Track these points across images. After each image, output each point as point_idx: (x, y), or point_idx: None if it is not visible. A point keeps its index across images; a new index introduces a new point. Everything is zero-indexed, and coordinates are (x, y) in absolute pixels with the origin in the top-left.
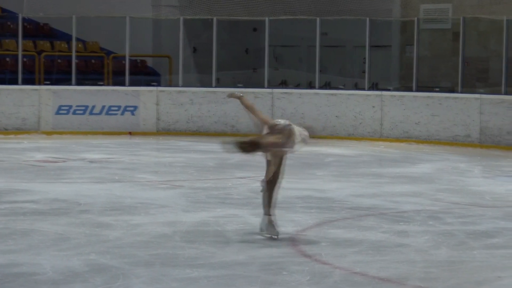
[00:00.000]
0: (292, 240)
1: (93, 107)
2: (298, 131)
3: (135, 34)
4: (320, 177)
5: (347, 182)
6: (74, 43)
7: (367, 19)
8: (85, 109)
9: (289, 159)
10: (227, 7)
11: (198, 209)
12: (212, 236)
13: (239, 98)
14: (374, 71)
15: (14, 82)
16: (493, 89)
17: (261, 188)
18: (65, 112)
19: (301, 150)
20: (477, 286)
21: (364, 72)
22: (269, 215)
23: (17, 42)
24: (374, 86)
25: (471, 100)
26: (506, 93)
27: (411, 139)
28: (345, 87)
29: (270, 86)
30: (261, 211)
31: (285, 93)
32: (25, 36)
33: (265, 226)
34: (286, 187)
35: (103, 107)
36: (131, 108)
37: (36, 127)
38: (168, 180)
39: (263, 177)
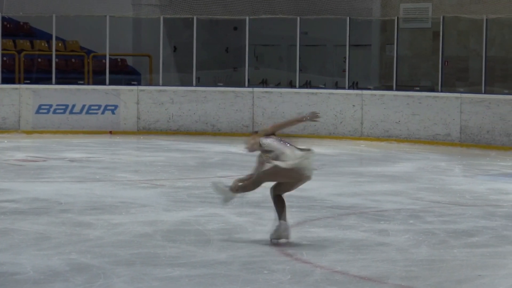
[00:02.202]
0: (273, 239)
1: (74, 106)
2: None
3: (115, 33)
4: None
5: (328, 181)
6: (54, 42)
7: (347, 18)
8: (65, 108)
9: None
10: (207, 6)
11: (179, 208)
12: (193, 235)
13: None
14: (354, 70)
15: None
16: (473, 88)
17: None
18: (45, 111)
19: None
20: (457, 284)
21: (344, 71)
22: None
23: None
24: (354, 85)
25: (451, 99)
26: (486, 92)
27: (391, 138)
28: (326, 86)
29: (251, 85)
30: (242, 210)
31: (266, 92)
32: (4, 35)
33: (280, 231)
34: (267, 186)
35: (84, 106)
36: (112, 107)
37: (16, 126)
38: (149, 179)
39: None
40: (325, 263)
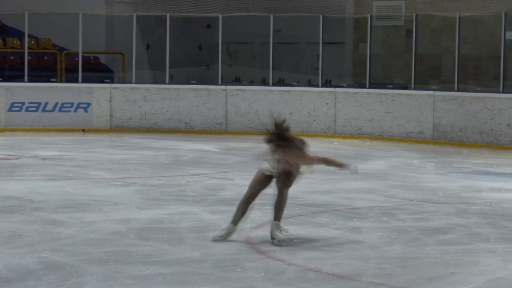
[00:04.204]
0: (246, 237)
1: (46, 104)
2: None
3: (88, 30)
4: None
5: (301, 179)
6: (26, 39)
7: (321, 16)
8: (38, 106)
9: (244, 156)
10: (180, 4)
11: (152, 206)
12: (166, 233)
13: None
14: (327, 68)
15: None
16: (446, 85)
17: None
18: (17, 109)
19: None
20: (430, 282)
21: (317, 69)
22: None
23: None
24: (327, 83)
25: (424, 97)
26: (458, 90)
27: (364, 135)
28: (299, 84)
29: (224, 83)
30: (215, 207)
31: (239, 90)
32: None
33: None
34: (240, 184)
35: (56, 104)
36: (84, 105)
37: None
38: (122, 177)
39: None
40: (298, 261)
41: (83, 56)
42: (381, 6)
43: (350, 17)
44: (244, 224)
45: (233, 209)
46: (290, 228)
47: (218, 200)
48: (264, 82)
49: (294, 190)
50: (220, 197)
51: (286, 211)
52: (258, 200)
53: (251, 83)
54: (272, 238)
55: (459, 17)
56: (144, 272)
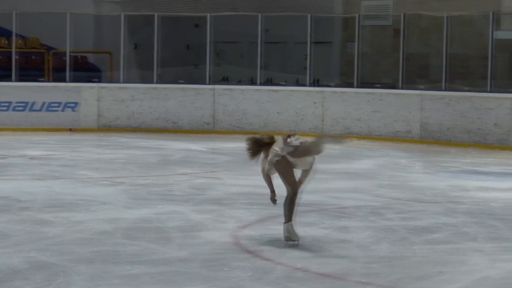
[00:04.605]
0: (234, 237)
1: (34, 103)
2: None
3: (76, 30)
4: (261, 173)
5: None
6: (14, 39)
7: (309, 15)
8: (25, 106)
9: (231, 155)
10: (168, 3)
11: (139, 205)
12: (153, 232)
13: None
14: (315, 67)
15: None
16: (434, 85)
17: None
18: (5, 108)
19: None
20: (418, 281)
21: (305, 68)
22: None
23: None
24: (315, 83)
25: (412, 96)
26: (446, 89)
27: (352, 135)
28: (287, 84)
29: (212, 82)
30: (202, 207)
31: (227, 89)
32: None
33: (288, 233)
34: (228, 183)
35: (44, 103)
36: (72, 105)
37: None
38: (109, 176)
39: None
40: (285, 260)
41: (71, 56)
42: (369, 6)
43: (338, 16)
44: (232, 224)
45: (220, 208)
46: (278, 227)
47: (206, 199)
48: (252, 82)
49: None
50: (207, 197)
51: (275, 210)
52: (245, 199)
53: (239, 82)
54: (289, 239)
55: (447, 17)
56: (131, 272)
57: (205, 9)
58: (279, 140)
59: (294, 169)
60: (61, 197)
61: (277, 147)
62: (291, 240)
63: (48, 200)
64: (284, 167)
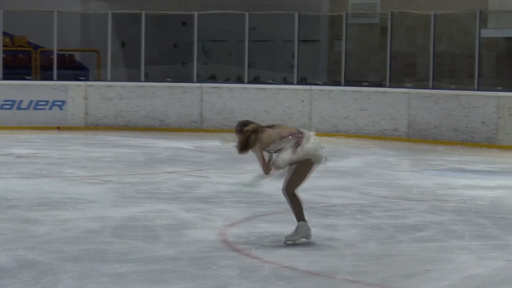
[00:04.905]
0: (222, 235)
1: (21, 102)
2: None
3: (63, 28)
4: (249, 171)
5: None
6: (1, 37)
7: (296, 13)
8: (12, 104)
9: (219, 154)
10: (156, 1)
11: (127, 204)
12: (141, 231)
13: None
14: (303, 65)
15: None
16: (421, 83)
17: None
18: None
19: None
20: (405, 279)
21: (293, 66)
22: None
23: None
24: (303, 81)
25: (399, 95)
26: (433, 88)
27: (340, 133)
28: (274, 82)
29: (199, 80)
30: (190, 205)
31: (214, 87)
32: None
33: (303, 232)
34: (215, 181)
35: (31, 102)
36: (59, 103)
37: None
38: (97, 175)
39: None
40: (273, 258)
41: (58, 54)
42: (357, 4)
43: (325, 15)
44: (219, 222)
45: (208, 207)
46: (266, 225)
47: (193, 198)
48: (240, 80)
49: (270, 187)
50: (195, 195)
51: (263, 208)
52: (233, 197)
53: (227, 80)
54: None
55: (434, 15)
56: (119, 270)
57: (192, 7)
58: (307, 134)
59: None
60: (49, 195)
61: (311, 144)
62: (304, 238)
63: (35, 198)
64: (307, 168)
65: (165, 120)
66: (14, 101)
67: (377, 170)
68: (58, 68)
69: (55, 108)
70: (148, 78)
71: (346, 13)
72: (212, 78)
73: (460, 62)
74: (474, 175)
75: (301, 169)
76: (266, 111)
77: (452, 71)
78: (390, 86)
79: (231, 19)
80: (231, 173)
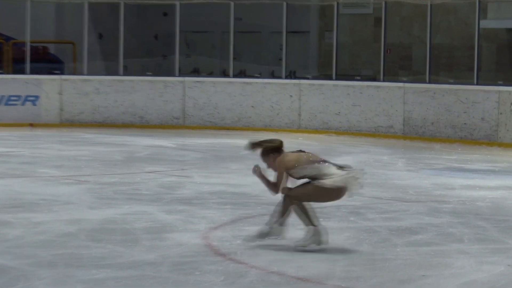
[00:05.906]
0: (205, 238)
1: None
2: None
3: (36, 18)
4: (234, 171)
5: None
6: None
7: (284, 3)
8: None
9: (202, 152)
10: None
11: (104, 205)
12: (119, 234)
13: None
14: (291, 58)
15: None
16: (417, 77)
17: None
18: None
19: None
20: (400, 285)
21: (281, 59)
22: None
23: None
24: (291, 75)
25: (394, 89)
26: (430, 82)
27: (331, 130)
28: (261, 76)
29: (182, 74)
30: (171, 207)
31: (198, 81)
32: None
33: (311, 238)
34: (198, 181)
35: (2, 96)
36: (32, 98)
37: None
38: (73, 175)
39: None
40: (260, 263)
41: (31, 46)
42: None
43: (315, 4)
44: (203, 225)
45: (190, 208)
46: (252, 228)
47: (175, 199)
48: (224, 74)
49: (255, 188)
50: (177, 196)
51: (248, 210)
52: (217, 199)
53: (211, 74)
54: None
55: (431, 5)
56: (96, 276)
57: None
58: (331, 167)
59: None
60: (21, 196)
61: (339, 176)
62: (316, 244)
63: (7, 199)
64: (326, 195)
65: (145, 116)
66: None
67: (370, 169)
68: (31, 61)
69: (28, 104)
70: (127, 72)
71: (338, 3)
72: (195, 72)
73: (459, 54)
74: (473, 174)
75: (319, 193)
76: (252, 106)
77: (450, 64)
78: (384, 80)
79: (215, 9)
80: (215, 172)
